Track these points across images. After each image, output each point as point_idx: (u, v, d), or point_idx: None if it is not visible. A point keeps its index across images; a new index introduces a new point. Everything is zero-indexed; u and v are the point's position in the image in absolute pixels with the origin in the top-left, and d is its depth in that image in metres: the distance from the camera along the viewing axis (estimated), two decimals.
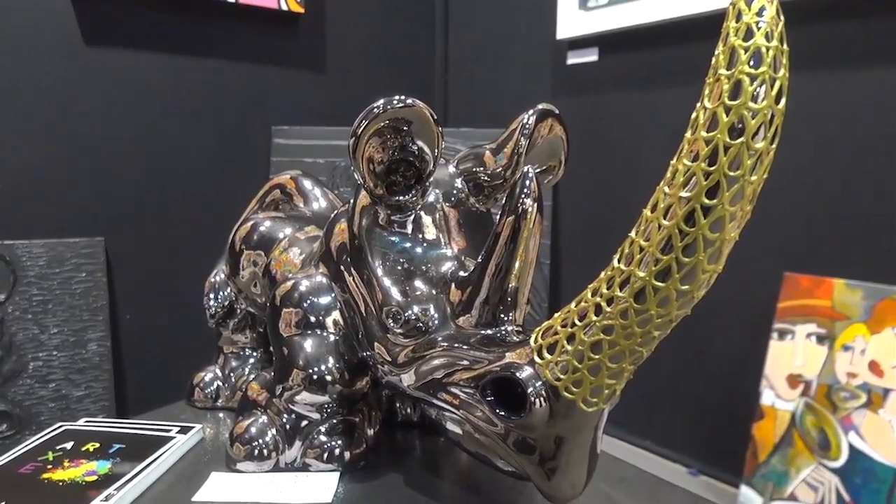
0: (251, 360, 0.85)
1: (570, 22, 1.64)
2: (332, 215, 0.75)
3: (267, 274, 0.79)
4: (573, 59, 1.73)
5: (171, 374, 1.66)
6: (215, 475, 0.67)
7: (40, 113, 1.48)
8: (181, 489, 0.65)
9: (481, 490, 0.68)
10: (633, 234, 0.50)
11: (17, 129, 1.47)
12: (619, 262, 0.50)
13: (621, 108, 1.62)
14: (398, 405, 0.81)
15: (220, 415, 0.83)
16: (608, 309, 0.50)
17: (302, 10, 1.72)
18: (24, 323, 1.45)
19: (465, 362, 0.60)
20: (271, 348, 0.72)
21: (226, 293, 0.87)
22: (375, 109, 0.61)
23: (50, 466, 0.64)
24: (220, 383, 0.85)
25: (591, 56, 1.69)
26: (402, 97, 0.61)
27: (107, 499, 0.58)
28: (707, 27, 1.40)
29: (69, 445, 0.67)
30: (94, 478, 0.62)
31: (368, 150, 0.63)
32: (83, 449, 0.67)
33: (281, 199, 0.88)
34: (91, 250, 1.52)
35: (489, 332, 0.62)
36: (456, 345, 0.61)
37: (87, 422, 0.73)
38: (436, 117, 0.63)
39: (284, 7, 1.69)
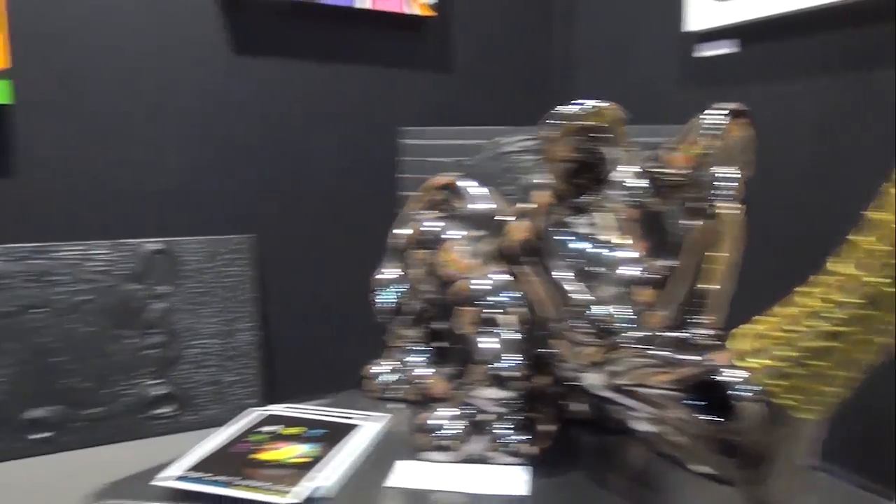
0: (421, 355, 0.89)
1: (703, 13, 1.59)
2: (503, 215, 0.77)
3: (435, 272, 0.83)
4: (704, 51, 1.67)
5: (313, 362, 1.76)
6: (401, 463, 0.71)
7: (196, 120, 1.61)
8: (374, 475, 0.69)
9: (671, 490, 0.68)
10: (862, 236, 0.49)
11: (178, 136, 1.60)
12: (842, 265, 0.49)
13: (757, 101, 1.55)
14: (568, 402, 0.82)
15: (396, 405, 0.87)
16: (835, 314, 0.49)
17: (431, 14, 1.76)
18: (185, 313, 1.58)
19: (662, 364, 0.60)
20: (446, 343, 0.76)
21: (394, 289, 0.91)
22: (570, 111, 0.62)
23: (259, 447, 0.70)
24: (393, 376, 0.90)
25: (724, 48, 1.63)
26: (596, 100, 0.62)
27: (314, 480, 0.63)
28: (845, 15, 1.31)
29: (274, 429, 0.73)
30: (303, 459, 0.67)
31: (559, 150, 0.64)
32: (288, 433, 0.73)
33: (443, 199, 0.92)
34: (242, 246, 1.64)
35: (684, 333, 0.62)
36: (650, 347, 0.62)
37: (287, 407, 0.79)
38: (626, 118, 0.64)
39: (413, 11, 1.74)
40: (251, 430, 0.74)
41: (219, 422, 1.61)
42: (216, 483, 0.62)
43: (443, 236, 0.85)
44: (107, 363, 1.51)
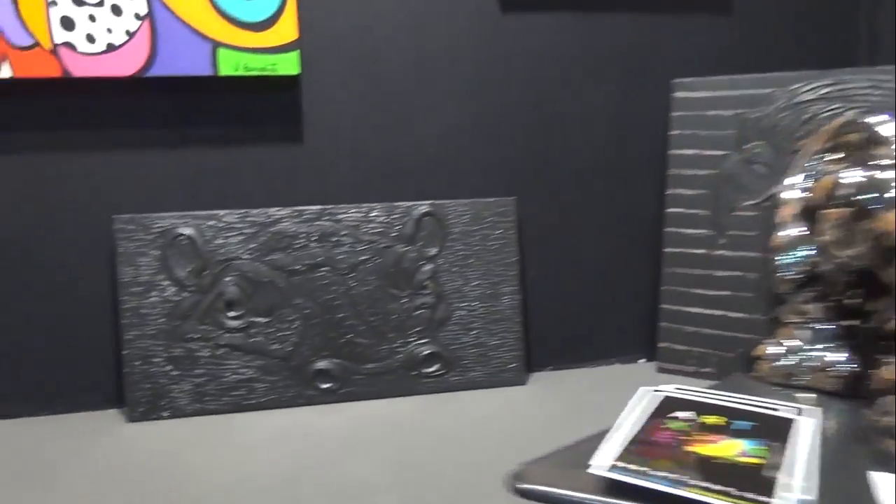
0: (824, 335, 0.76)
1: None
2: None
3: (871, 235, 0.69)
4: None
5: (571, 330, 1.71)
6: (880, 477, 0.60)
7: (465, 83, 1.58)
8: (846, 488, 0.59)
9: None
10: None
11: (446, 100, 1.58)
12: None
13: None
14: None
15: (805, 395, 0.76)
16: None
17: None
18: (451, 275, 1.59)
19: None
20: (857, 321, 0.63)
21: (803, 256, 0.78)
22: None
23: (685, 437, 0.63)
24: (792, 359, 0.79)
25: None
26: None
27: (792, 491, 0.54)
28: None
29: (690, 416, 0.67)
30: (753, 460, 0.59)
31: None
32: (710, 422, 0.66)
33: (851, 145, 0.77)
34: (504, 209, 1.60)
35: None
36: None
37: (677, 388, 0.73)
38: None
39: None
40: (663, 416, 0.68)
41: (482, 384, 1.63)
42: (665, 481, 0.56)
43: (874, 188, 0.71)
44: (383, 321, 1.57)
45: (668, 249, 1.61)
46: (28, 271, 1.47)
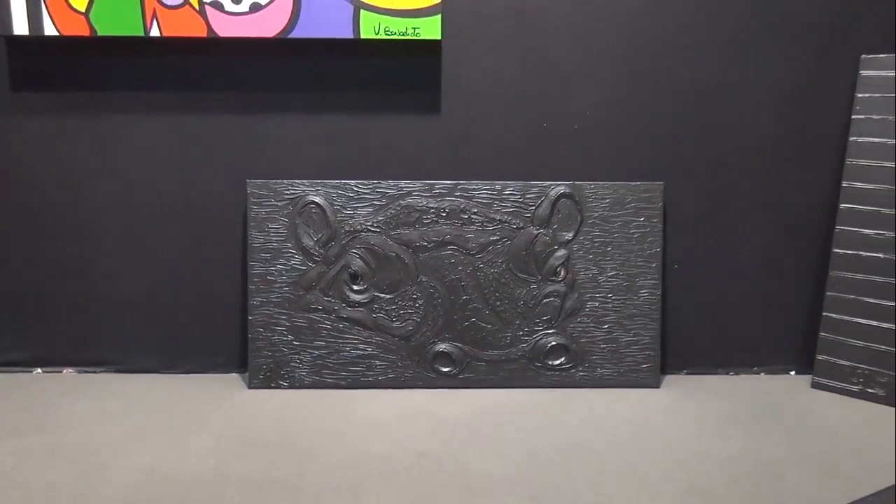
0: None
1: None
2: None
3: None
4: None
5: (713, 333, 1.55)
6: None
7: (616, 52, 1.44)
8: None
9: None
10: None
11: (594, 71, 1.45)
12: None
13: None
14: None
15: None
16: None
17: None
18: (586, 263, 1.47)
19: None
20: None
21: None
22: None
23: None
24: None
25: None
26: None
27: None
28: None
29: None
30: None
31: None
32: None
33: None
34: (650, 194, 1.46)
35: None
36: None
37: None
38: None
39: None
40: None
41: (610, 383, 1.49)
42: None
43: None
44: (509, 307, 1.48)
45: (838, 251, 1.42)
46: (164, 228, 1.49)
